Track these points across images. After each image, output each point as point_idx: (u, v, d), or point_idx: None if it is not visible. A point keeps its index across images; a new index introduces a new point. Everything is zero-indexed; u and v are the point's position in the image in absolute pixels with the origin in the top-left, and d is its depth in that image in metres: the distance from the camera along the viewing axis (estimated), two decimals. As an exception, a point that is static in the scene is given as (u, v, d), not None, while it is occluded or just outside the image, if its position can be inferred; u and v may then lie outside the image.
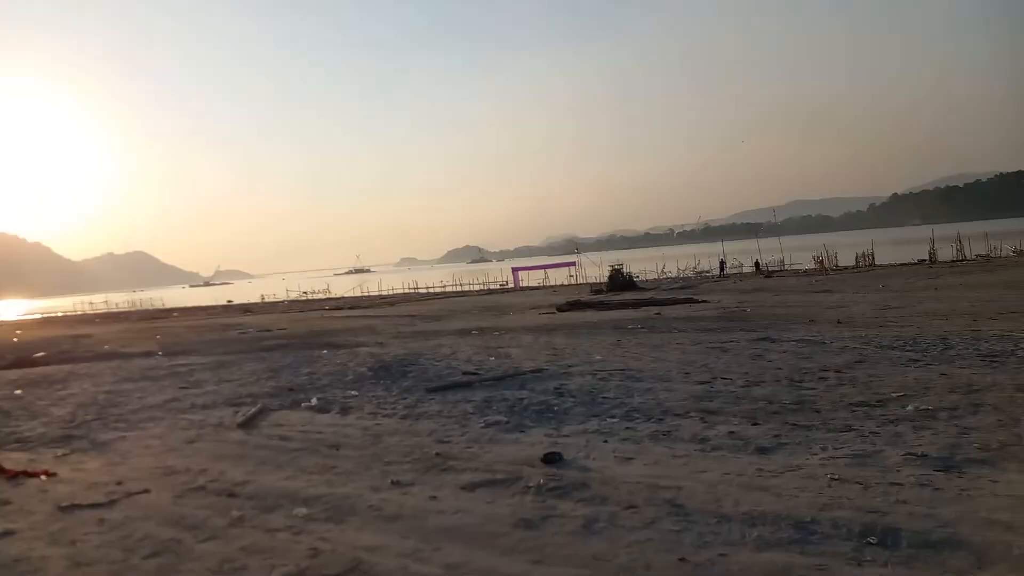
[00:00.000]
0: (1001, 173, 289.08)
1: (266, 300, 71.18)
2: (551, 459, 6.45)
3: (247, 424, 8.72)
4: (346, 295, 68.86)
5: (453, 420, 8.46)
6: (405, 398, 10.04)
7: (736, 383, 9.58)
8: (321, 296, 71.94)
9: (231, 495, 6.03)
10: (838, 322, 16.59)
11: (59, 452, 7.98)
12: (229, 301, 74.78)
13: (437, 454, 6.97)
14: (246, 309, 54.53)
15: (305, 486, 6.18)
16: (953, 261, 45.43)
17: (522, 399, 9.33)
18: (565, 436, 7.44)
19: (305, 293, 75.61)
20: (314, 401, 9.98)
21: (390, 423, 8.55)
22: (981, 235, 49.45)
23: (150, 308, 71.70)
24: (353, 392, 10.71)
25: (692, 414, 8.03)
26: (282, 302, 65.99)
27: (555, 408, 8.73)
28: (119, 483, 6.57)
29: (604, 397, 9.17)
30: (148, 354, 19.69)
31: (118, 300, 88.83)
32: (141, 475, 6.83)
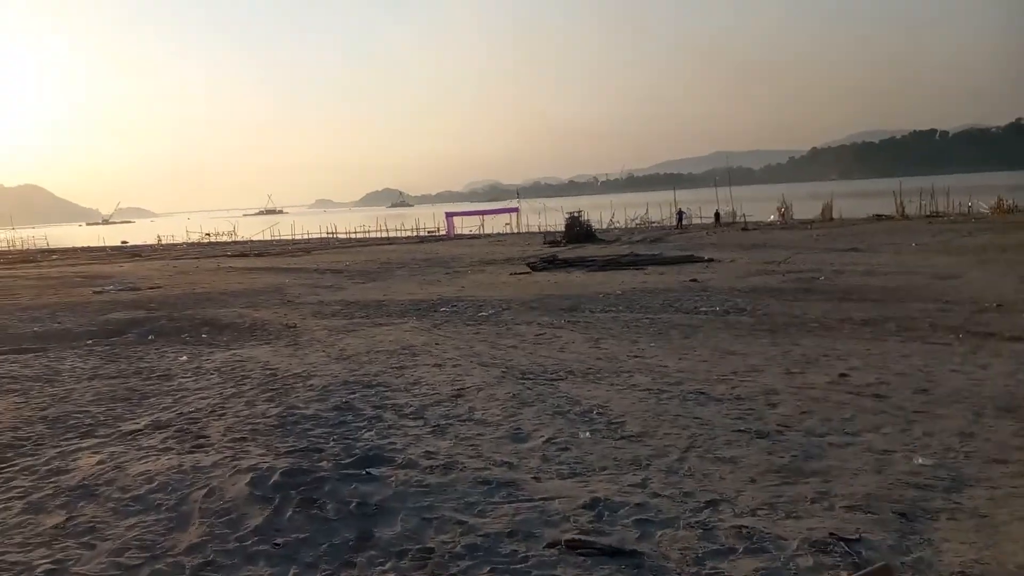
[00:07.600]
0: (915, 131, 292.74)
1: (163, 242, 61.58)
2: None
3: None
4: (254, 238, 60.62)
5: None
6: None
7: None
8: (226, 239, 63.44)
9: None
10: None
11: None
12: (124, 242, 65.74)
13: None
14: (135, 253, 45.81)
15: None
16: (930, 216, 41.12)
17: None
18: None
19: (208, 235, 66.07)
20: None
21: None
22: (916, 191, 45.22)
23: (30, 248, 60.58)
24: None
25: None
26: (180, 245, 56.98)
27: None
28: None
29: None
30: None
31: (-5, 238, 75.99)
32: None
